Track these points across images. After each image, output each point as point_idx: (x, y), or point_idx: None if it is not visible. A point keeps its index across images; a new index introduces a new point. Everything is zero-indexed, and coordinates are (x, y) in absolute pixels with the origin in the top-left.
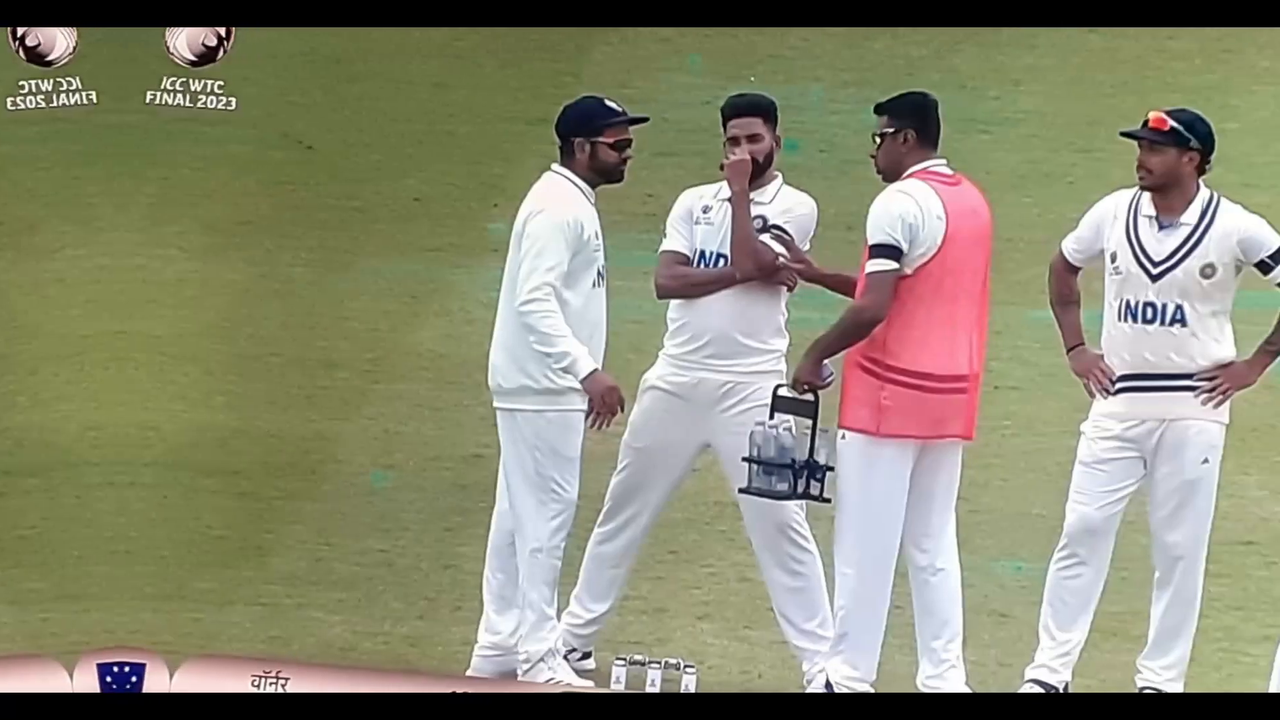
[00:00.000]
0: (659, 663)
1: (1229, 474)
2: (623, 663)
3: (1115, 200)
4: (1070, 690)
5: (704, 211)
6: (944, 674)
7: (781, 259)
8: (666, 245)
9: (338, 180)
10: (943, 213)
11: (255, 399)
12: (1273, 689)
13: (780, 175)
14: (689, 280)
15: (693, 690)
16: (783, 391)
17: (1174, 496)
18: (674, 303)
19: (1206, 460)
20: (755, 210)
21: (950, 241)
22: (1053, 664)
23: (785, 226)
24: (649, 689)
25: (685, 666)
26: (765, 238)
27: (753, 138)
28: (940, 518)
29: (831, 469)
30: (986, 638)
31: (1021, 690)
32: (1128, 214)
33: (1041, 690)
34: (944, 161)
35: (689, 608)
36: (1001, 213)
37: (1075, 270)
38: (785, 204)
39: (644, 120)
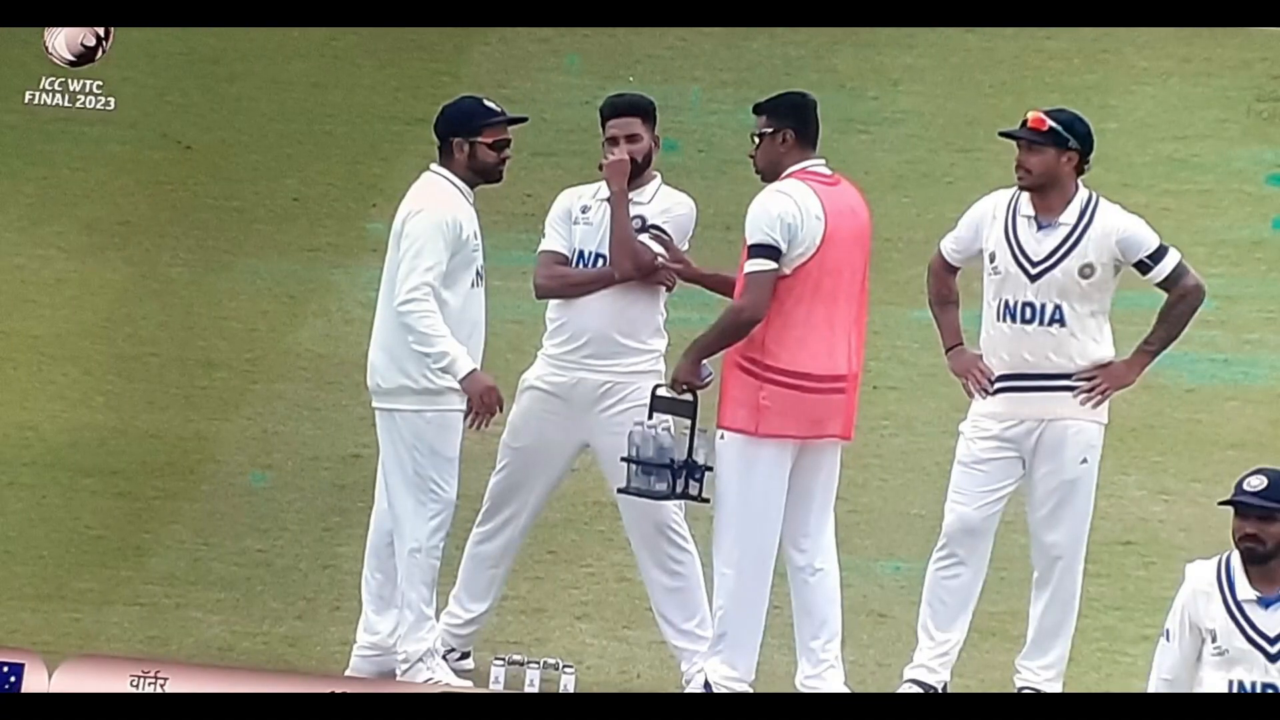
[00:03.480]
0: (537, 663)
1: (1108, 474)
2: (501, 663)
3: (994, 200)
4: (949, 690)
5: (583, 211)
6: (823, 674)
7: (660, 259)
8: (545, 245)
9: (216, 180)
10: (821, 213)
11: (134, 399)
12: (1150, 689)
13: (659, 175)
14: (568, 280)
15: (571, 690)
16: (661, 391)
17: (1053, 496)
18: (553, 303)
19: (1085, 460)
20: (634, 210)
21: (829, 242)
22: (931, 664)
23: (664, 226)
24: (528, 689)
25: (564, 666)
26: (644, 238)
27: (631, 138)
28: (819, 518)
29: (710, 469)
30: (865, 637)
31: (900, 690)
32: (1006, 214)
33: (920, 690)
34: (823, 161)
35: (568, 608)
36: (880, 213)
37: (954, 270)
38: (664, 204)
39: (522, 120)
